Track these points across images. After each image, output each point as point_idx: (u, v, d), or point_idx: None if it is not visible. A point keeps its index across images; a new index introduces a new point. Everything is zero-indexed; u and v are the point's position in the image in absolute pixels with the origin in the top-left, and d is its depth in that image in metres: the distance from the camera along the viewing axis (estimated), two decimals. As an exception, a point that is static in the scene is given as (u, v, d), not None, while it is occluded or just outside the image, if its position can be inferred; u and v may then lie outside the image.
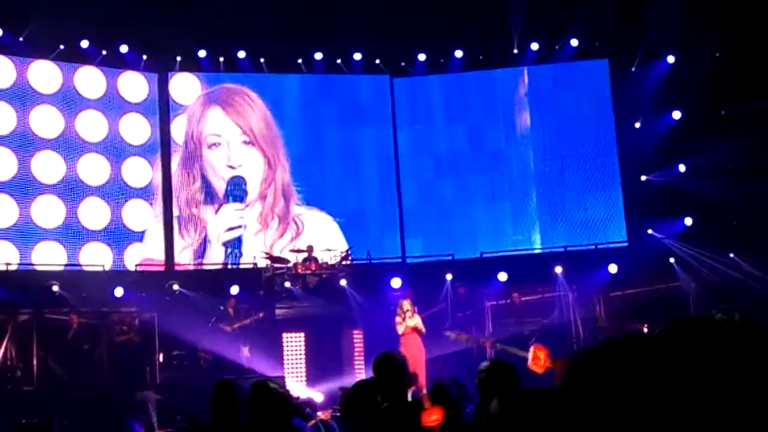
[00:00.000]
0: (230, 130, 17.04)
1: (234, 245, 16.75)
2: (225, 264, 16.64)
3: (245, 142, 17.06)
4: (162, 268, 16.41)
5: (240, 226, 16.82)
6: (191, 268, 16.61)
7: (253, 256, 16.22)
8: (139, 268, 16.14)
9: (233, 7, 15.82)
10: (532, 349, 10.12)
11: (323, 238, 16.62)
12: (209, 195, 16.85)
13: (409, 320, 13.28)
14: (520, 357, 10.48)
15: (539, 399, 2.31)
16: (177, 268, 16.50)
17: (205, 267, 16.62)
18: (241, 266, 16.50)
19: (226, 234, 16.75)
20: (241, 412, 4.82)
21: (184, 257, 16.62)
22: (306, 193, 17.37)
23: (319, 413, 9.10)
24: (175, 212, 16.70)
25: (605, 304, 15.89)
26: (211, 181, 16.87)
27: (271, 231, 17.03)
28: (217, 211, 16.79)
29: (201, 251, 16.69)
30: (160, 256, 16.52)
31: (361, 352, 14.99)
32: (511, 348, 12.20)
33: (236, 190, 16.87)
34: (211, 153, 16.93)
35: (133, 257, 16.26)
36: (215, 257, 16.70)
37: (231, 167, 16.89)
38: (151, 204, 16.63)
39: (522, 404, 2.48)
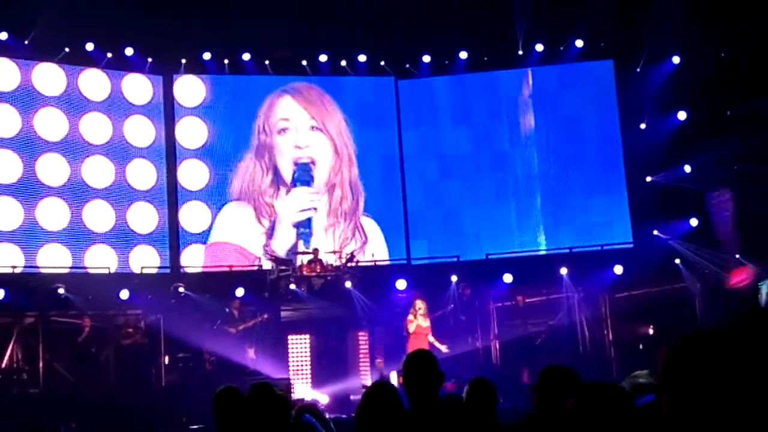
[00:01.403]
0: (299, 114, 17.33)
1: (305, 225, 16.96)
2: (294, 245, 16.73)
3: (313, 127, 17.33)
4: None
5: (311, 209, 17.02)
6: (197, 270, 16.61)
7: (257, 257, 16.18)
8: (144, 270, 16.14)
9: (238, 9, 15.83)
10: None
11: (380, 249, 16.97)
12: (278, 183, 17.06)
13: (420, 320, 13.47)
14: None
15: (614, 393, 2.26)
16: (183, 270, 16.51)
17: (210, 270, 16.62)
18: (246, 268, 16.50)
19: (297, 215, 16.95)
20: (243, 417, 4.81)
21: (258, 245, 16.78)
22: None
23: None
24: (245, 204, 16.92)
25: (611, 305, 15.86)
26: (279, 167, 17.11)
27: (339, 230, 17.16)
28: (287, 193, 17.01)
29: (270, 232, 16.85)
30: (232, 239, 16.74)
31: (366, 354, 14.98)
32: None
33: (303, 175, 17.09)
34: (281, 138, 17.21)
35: (138, 260, 16.26)
36: (286, 238, 16.85)
37: (298, 147, 17.12)
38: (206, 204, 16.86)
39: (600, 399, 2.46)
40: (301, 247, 16.57)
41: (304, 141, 17.19)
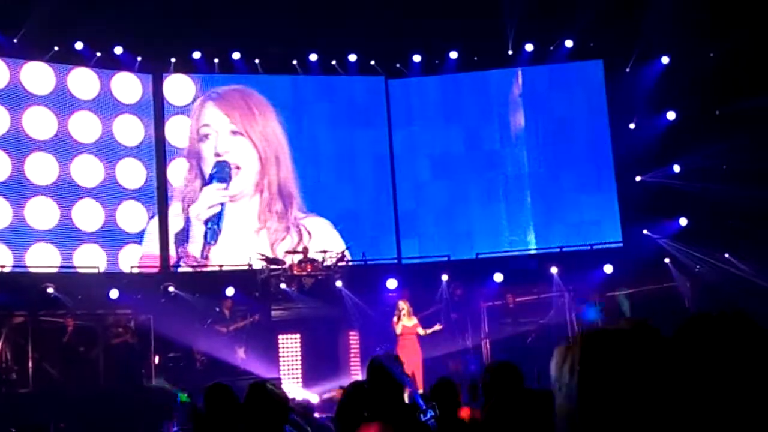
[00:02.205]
0: (219, 120, 17.11)
1: (213, 221, 16.75)
2: (205, 244, 16.58)
3: (233, 132, 17.10)
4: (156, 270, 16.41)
5: (220, 203, 16.82)
6: (188, 269, 16.57)
7: (249, 257, 16.14)
8: (140, 268, 16.09)
9: (228, 8, 15.79)
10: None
11: (330, 246, 16.67)
12: (202, 184, 16.93)
13: (405, 320, 13.49)
14: None
15: (540, 399, 2.30)
16: (172, 265, 16.47)
17: (200, 265, 16.58)
18: (237, 268, 16.46)
19: (206, 211, 16.76)
20: (234, 414, 4.79)
21: (173, 250, 16.65)
22: (303, 196, 17.36)
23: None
24: (181, 215, 16.76)
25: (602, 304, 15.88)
26: (204, 171, 16.93)
27: (269, 232, 17.02)
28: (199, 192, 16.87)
29: (185, 236, 16.69)
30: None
31: (357, 353, 14.97)
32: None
33: (220, 173, 16.90)
34: (203, 145, 17.02)
35: (128, 259, 16.21)
36: (197, 237, 16.67)
37: (217, 154, 16.94)
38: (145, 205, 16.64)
39: (524, 403, 2.47)
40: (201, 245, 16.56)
41: (223, 147, 16.98)
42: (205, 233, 16.69)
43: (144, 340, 14.39)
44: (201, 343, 14.39)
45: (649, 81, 16.84)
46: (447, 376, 5.33)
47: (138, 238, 16.40)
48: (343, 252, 16.10)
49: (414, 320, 13.71)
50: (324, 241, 16.84)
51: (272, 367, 14.26)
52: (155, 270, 16.34)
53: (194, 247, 16.69)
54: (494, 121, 17.88)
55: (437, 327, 13.87)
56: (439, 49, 17.53)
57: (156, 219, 16.59)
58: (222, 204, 16.83)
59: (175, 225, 16.70)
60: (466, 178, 17.71)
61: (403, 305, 13.76)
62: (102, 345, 14.31)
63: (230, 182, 16.94)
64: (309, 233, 17.18)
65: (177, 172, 16.87)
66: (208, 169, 16.91)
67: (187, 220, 16.72)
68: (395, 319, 13.67)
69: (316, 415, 9.23)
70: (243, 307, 15.04)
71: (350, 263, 16.09)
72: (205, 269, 16.59)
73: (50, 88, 15.93)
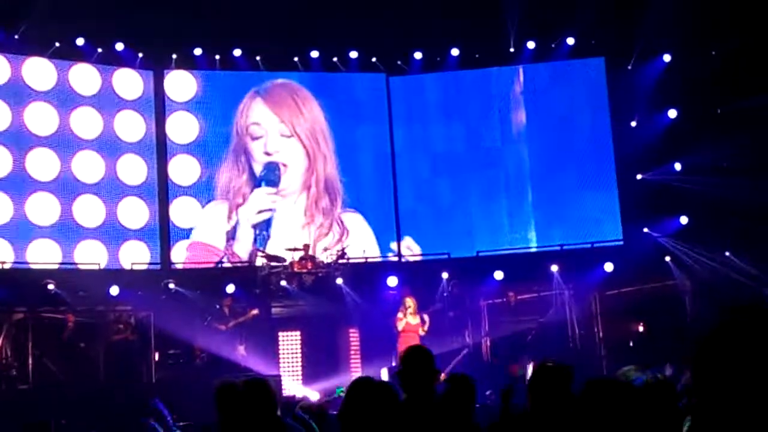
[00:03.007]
0: (269, 120, 17.23)
1: (263, 227, 16.88)
2: (253, 250, 16.66)
3: (283, 134, 17.22)
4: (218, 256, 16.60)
5: (270, 210, 16.94)
6: (184, 267, 16.58)
7: (284, 248, 16.08)
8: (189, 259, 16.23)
9: (229, 4, 15.77)
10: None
11: (365, 242, 16.84)
12: (252, 184, 17.04)
13: (410, 318, 13.50)
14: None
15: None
16: (173, 267, 16.49)
17: (201, 266, 16.58)
18: (238, 265, 16.48)
19: (255, 216, 16.88)
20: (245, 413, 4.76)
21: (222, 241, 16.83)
22: (346, 192, 17.51)
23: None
24: (224, 203, 16.90)
25: (601, 302, 15.90)
26: (254, 169, 17.07)
27: (314, 226, 17.08)
28: (250, 194, 16.94)
29: (233, 233, 16.83)
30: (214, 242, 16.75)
31: (357, 351, 14.99)
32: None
33: (270, 175, 17.04)
34: (254, 143, 17.14)
35: (128, 255, 16.21)
36: (244, 239, 16.80)
37: (267, 153, 17.05)
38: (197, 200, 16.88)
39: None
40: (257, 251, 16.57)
41: (273, 147, 17.09)
42: (255, 238, 16.79)
43: (144, 336, 14.39)
44: (201, 340, 14.39)
45: (651, 79, 16.82)
46: (461, 372, 5.30)
47: (138, 234, 16.40)
48: (343, 249, 16.10)
49: (418, 319, 13.73)
50: (360, 237, 17.12)
51: (272, 364, 14.27)
52: (156, 266, 16.34)
53: (240, 247, 16.76)
54: (495, 118, 17.86)
55: (426, 317, 13.83)
56: (440, 46, 17.50)
57: (206, 210, 16.76)
58: (272, 210, 16.93)
59: (220, 220, 16.85)
60: (467, 175, 17.70)
61: (411, 303, 13.75)
62: (102, 341, 14.31)
63: (279, 184, 17.03)
64: (347, 229, 17.26)
65: (178, 168, 16.87)
66: (257, 167, 17.02)
67: (237, 221, 16.82)
68: (400, 315, 13.65)
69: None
70: (243, 304, 15.03)
71: (350, 260, 16.08)
72: (205, 266, 16.58)
73: (51, 83, 15.92)
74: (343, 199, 17.46)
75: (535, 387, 3.94)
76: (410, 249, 17.56)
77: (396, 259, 17.47)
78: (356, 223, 17.44)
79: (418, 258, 17.51)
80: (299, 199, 17.23)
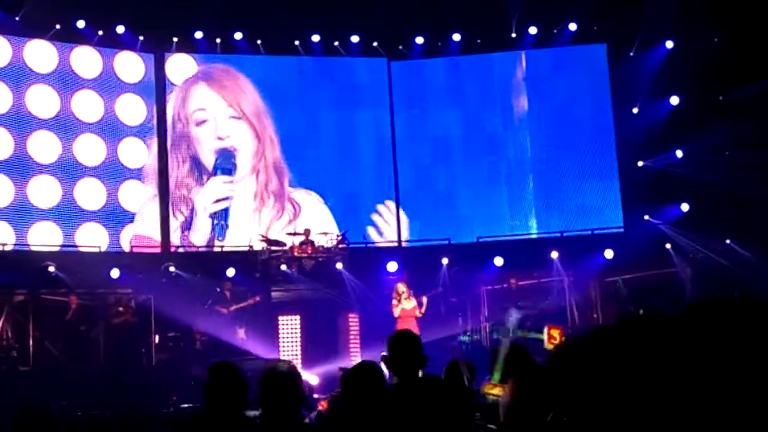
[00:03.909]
0: (216, 104, 17.00)
1: (220, 217, 16.72)
2: (212, 238, 16.59)
3: (232, 116, 17.02)
4: (158, 250, 16.41)
5: (227, 198, 16.78)
6: (187, 249, 16.59)
7: (249, 238, 16.15)
8: (134, 249, 16.13)
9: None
10: (546, 329, 10.21)
11: (318, 220, 16.66)
12: (198, 173, 16.81)
13: (405, 303, 13.51)
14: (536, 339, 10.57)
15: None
16: (173, 249, 16.49)
17: (202, 249, 16.60)
18: (237, 249, 16.48)
19: (213, 206, 16.73)
20: (239, 396, 4.75)
21: (175, 237, 16.61)
22: (300, 174, 17.35)
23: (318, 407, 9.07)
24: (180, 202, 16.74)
25: (601, 289, 15.92)
26: (200, 158, 16.83)
27: (267, 209, 17.03)
28: (204, 183, 16.77)
29: (188, 224, 16.66)
30: (153, 234, 16.48)
31: (356, 335, 15.00)
32: (529, 333, 12.49)
33: (225, 163, 16.84)
34: (200, 130, 16.91)
35: (129, 237, 16.24)
36: (202, 229, 16.66)
37: (219, 138, 16.86)
38: (146, 183, 16.60)
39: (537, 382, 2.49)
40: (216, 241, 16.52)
41: (224, 131, 16.90)
42: (213, 228, 16.67)
43: (144, 319, 14.42)
44: (201, 324, 14.42)
45: (653, 66, 16.78)
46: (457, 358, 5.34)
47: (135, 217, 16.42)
48: (342, 234, 16.11)
49: (413, 302, 13.72)
50: (312, 215, 16.92)
51: (272, 348, 14.30)
52: (156, 250, 16.35)
53: (197, 237, 16.67)
54: (497, 104, 17.83)
55: (424, 299, 13.80)
56: (442, 31, 17.45)
57: (157, 199, 16.58)
58: (229, 198, 16.78)
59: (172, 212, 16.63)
60: (468, 161, 17.69)
61: (403, 288, 13.76)
62: (103, 324, 14.33)
63: (235, 171, 16.89)
64: (299, 206, 17.19)
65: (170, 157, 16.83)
66: (208, 156, 16.83)
67: (192, 210, 16.67)
68: (395, 302, 13.67)
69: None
70: (243, 288, 15.06)
71: (350, 245, 16.08)
72: (205, 249, 16.59)
73: (53, 66, 15.90)
74: (293, 179, 17.33)
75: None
76: (390, 211, 17.43)
77: (396, 244, 17.47)
78: (308, 200, 17.32)
79: (405, 228, 17.45)
80: (248, 183, 17.08)
